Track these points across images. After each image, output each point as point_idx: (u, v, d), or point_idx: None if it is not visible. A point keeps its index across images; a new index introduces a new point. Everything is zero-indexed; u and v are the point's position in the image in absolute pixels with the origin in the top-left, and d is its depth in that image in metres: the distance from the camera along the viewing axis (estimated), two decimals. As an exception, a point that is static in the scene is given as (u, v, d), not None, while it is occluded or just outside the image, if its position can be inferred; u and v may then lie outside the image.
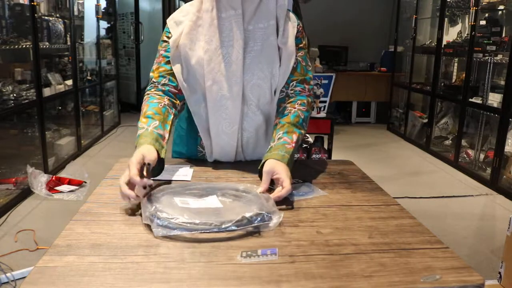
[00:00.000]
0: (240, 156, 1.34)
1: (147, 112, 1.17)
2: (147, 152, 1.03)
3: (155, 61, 1.29)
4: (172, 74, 1.26)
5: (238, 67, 1.22)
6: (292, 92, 1.29)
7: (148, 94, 1.24)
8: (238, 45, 1.22)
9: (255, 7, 1.23)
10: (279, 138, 1.18)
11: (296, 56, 1.28)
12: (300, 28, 1.31)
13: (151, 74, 1.29)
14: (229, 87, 1.22)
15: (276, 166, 1.07)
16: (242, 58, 1.22)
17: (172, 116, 1.21)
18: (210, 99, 1.23)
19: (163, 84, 1.25)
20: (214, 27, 1.22)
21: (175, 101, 1.26)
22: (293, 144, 1.16)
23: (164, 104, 1.21)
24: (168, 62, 1.26)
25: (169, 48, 1.25)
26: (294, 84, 1.29)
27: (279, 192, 1.02)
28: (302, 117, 1.24)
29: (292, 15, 1.31)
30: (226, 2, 1.22)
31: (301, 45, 1.31)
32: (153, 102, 1.20)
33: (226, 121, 1.25)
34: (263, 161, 1.12)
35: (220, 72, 1.22)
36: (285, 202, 1.03)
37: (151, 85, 1.27)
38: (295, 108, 1.25)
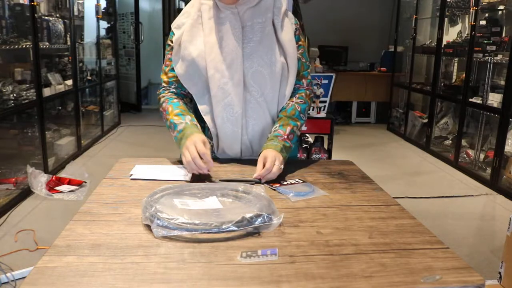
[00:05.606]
0: (248, 150, 1.36)
1: (175, 111, 1.30)
2: (203, 137, 1.21)
3: (164, 63, 1.38)
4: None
5: (238, 55, 1.27)
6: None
7: (163, 96, 1.36)
8: (237, 35, 1.27)
9: (253, 9, 1.29)
10: (274, 131, 1.31)
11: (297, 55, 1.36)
12: (298, 26, 1.37)
13: (162, 76, 1.39)
14: (230, 75, 1.27)
15: (267, 153, 1.21)
16: (242, 47, 1.27)
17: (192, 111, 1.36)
18: (213, 88, 1.28)
19: (175, 88, 1.36)
20: (213, 21, 1.28)
21: (188, 100, 1.39)
22: (285, 136, 1.29)
23: (183, 102, 1.34)
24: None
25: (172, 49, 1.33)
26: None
27: (259, 170, 1.16)
28: (299, 109, 1.35)
29: (289, 13, 1.37)
30: (223, 6, 1.28)
31: (300, 42, 1.38)
32: (174, 102, 1.33)
33: (230, 107, 1.29)
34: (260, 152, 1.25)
35: (220, 61, 1.27)
36: (285, 203, 1.03)
37: (163, 88, 1.38)
38: (292, 101, 1.36)
